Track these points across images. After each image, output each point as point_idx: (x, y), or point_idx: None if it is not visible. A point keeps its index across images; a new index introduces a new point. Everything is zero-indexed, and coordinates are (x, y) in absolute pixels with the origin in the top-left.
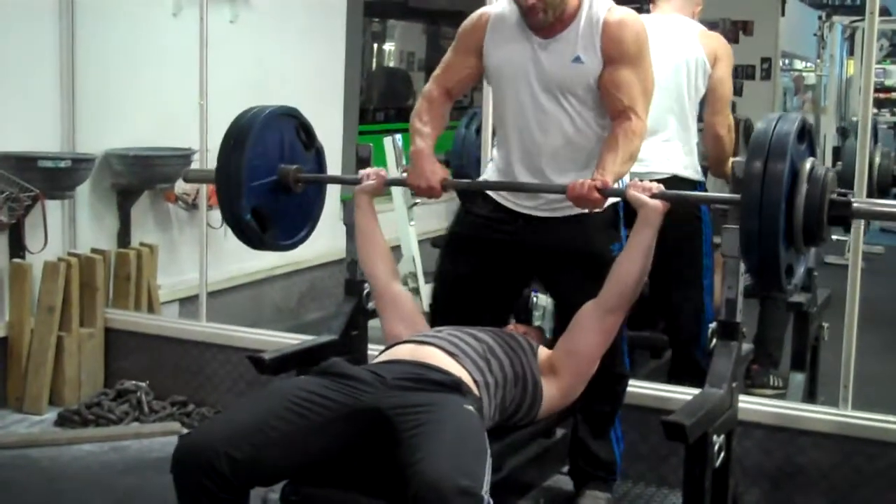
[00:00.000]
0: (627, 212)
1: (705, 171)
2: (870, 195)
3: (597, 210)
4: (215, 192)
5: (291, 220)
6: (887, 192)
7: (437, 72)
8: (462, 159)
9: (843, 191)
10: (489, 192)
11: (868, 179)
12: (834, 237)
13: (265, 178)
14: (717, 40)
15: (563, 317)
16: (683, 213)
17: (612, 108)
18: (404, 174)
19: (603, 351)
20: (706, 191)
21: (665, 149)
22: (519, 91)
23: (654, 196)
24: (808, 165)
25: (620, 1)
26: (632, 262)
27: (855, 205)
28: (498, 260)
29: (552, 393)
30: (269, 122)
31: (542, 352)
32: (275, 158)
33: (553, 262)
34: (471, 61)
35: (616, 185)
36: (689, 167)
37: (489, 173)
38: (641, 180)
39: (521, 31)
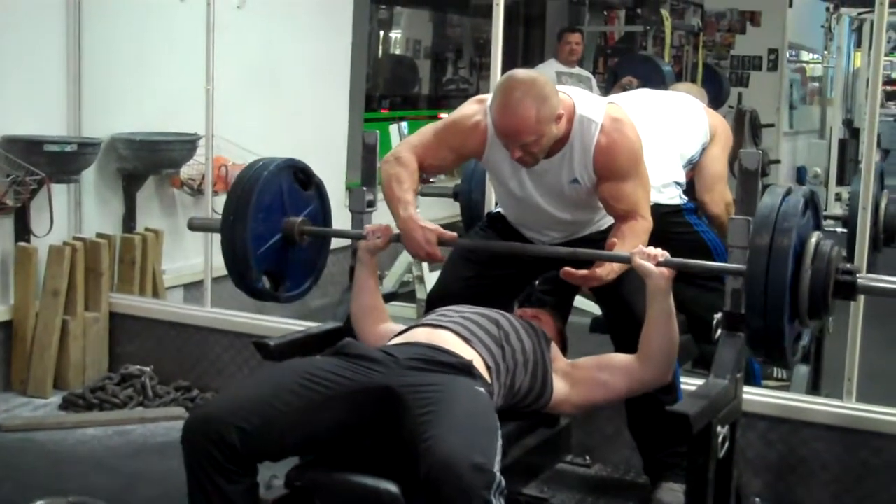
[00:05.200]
0: None
1: None
2: (875, 243)
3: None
4: (223, 259)
5: (299, 270)
6: (894, 238)
7: (413, 141)
8: (471, 186)
9: (848, 267)
10: (510, 221)
11: (873, 226)
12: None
13: (270, 239)
14: (720, 119)
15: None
16: (678, 238)
17: (615, 213)
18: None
19: (626, 395)
20: (692, 210)
21: None
22: (528, 205)
23: (659, 264)
24: (813, 241)
25: None
26: (658, 332)
27: (860, 282)
28: (512, 266)
29: (566, 399)
30: (267, 183)
31: (556, 351)
32: (277, 214)
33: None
34: (451, 157)
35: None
36: (664, 194)
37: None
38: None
39: None
